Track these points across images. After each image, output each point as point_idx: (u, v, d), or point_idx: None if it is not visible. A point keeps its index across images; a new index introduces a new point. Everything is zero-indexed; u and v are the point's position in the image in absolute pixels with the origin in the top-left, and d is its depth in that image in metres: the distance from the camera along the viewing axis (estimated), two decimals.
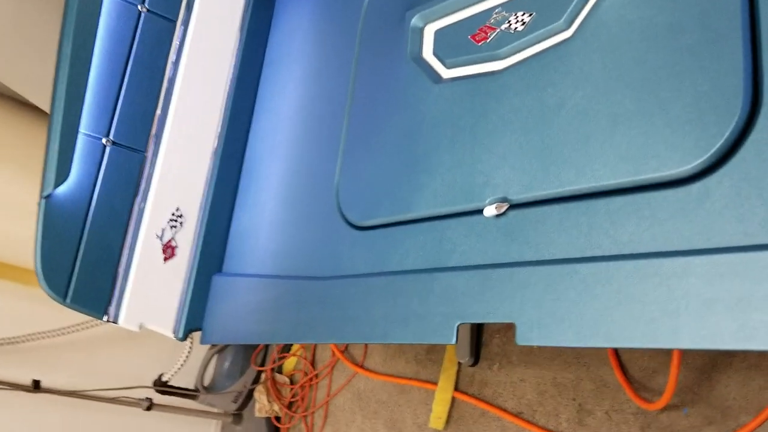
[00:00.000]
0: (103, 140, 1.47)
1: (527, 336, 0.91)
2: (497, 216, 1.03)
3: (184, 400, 2.40)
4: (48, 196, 1.37)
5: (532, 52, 1.07)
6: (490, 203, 1.03)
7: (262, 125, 1.66)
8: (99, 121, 1.47)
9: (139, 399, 2.27)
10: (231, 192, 1.63)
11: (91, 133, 1.45)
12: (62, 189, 1.39)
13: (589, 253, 0.90)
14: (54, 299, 1.36)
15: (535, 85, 1.04)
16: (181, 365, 2.13)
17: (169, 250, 1.50)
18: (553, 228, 0.96)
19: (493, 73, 1.13)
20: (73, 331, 2.15)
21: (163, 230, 1.50)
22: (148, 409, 2.25)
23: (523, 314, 0.92)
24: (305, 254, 1.37)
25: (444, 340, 1.01)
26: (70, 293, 1.36)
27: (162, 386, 2.23)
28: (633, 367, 1.48)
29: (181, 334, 1.48)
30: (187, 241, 1.54)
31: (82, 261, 1.39)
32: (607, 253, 0.88)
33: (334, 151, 1.39)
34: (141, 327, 1.45)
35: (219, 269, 1.57)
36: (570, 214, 0.94)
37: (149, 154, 1.53)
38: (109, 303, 1.42)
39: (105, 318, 1.41)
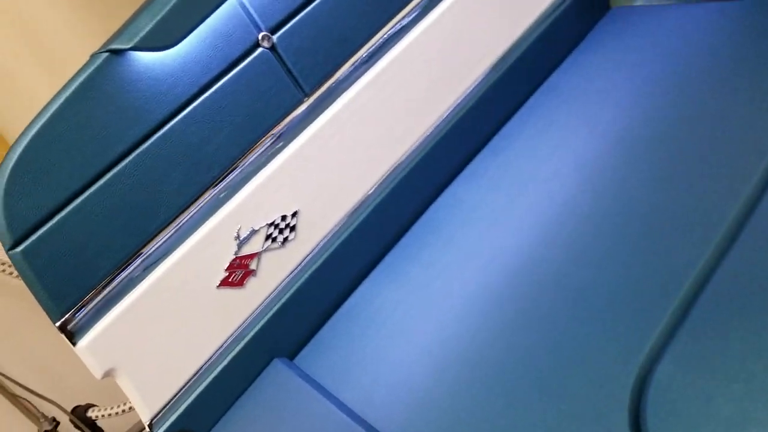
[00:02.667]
0: (261, 33, 0.78)
1: None
2: None
3: None
4: (116, 53, 0.68)
5: None
6: None
7: (486, 179, 0.95)
8: (270, 6, 0.79)
9: (44, 415, 1.49)
10: (379, 245, 0.91)
11: (251, 10, 0.78)
12: (148, 57, 0.70)
13: None
14: None
15: None
16: (123, 411, 1.36)
17: (238, 272, 0.77)
18: None
19: None
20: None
21: (251, 232, 0.78)
22: None
23: None
24: None
25: None
26: (33, 239, 0.63)
27: (81, 420, 1.45)
28: None
29: (160, 431, 0.72)
30: (276, 272, 0.81)
31: (92, 197, 0.67)
32: None
33: (655, 302, 0.66)
34: (106, 375, 0.70)
35: (290, 354, 0.83)
36: None
37: (308, 104, 0.83)
38: (81, 300, 0.68)
39: (59, 321, 0.67)
